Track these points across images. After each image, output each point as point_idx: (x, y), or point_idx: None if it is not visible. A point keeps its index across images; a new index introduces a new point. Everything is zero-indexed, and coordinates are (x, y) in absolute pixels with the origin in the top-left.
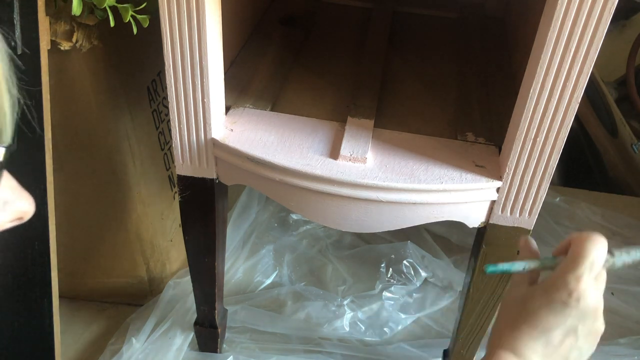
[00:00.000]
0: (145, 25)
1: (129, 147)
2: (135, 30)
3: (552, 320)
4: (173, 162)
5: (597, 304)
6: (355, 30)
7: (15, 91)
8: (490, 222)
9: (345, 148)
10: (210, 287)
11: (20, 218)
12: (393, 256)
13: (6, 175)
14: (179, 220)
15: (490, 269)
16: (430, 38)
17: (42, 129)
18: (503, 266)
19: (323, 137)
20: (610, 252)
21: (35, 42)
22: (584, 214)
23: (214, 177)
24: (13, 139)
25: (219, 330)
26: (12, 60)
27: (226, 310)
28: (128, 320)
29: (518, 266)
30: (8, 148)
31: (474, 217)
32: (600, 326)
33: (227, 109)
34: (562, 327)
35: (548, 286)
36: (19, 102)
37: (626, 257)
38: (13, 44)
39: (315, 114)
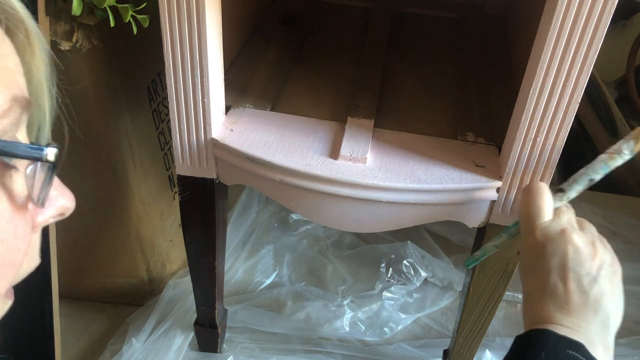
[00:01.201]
0: (145, 25)
1: (129, 147)
2: (135, 30)
3: (540, 277)
4: (173, 162)
5: (567, 235)
6: (355, 30)
7: (54, 90)
8: (490, 222)
9: (345, 148)
10: (210, 287)
11: (62, 214)
12: (393, 256)
13: None
14: (179, 220)
15: (469, 263)
16: (430, 38)
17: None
18: (478, 255)
19: (323, 137)
20: (560, 189)
21: None
22: (584, 214)
23: (214, 177)
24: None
25: (219, 330)
26: (51, 59)
27: (226, 310)
28: (128, 320)
29: (490, 248)
30: (59, 149)
31: (474, 217)
32: (594, 249)
33: (227, 109)
34: (552, 276)
35: (521, 253)
36: (57, 101)
37: (577, 185)
38: None
39: (315, 114)
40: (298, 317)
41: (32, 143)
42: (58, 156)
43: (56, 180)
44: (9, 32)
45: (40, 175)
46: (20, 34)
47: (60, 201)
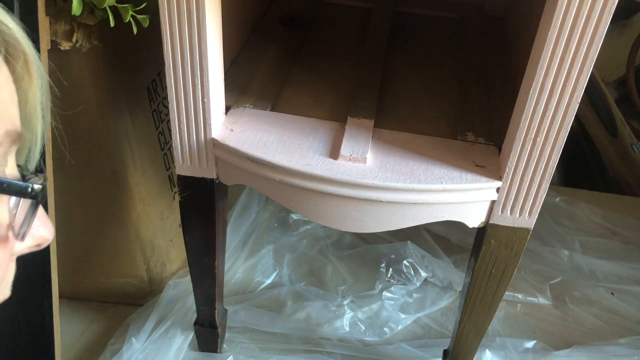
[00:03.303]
0: (145, 25)
1: (129, 147)
2: (135, 30)
3: None
4: (173, 162)
5: None
6: (355, 30)
7: (48, 116)
8: (490, 222)
9: (345, 148)
10: (210, 287)
11: (39, 245)
12: (393, 256)
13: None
14: (179, 220)
15: None
16: (430, 38)
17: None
18: None
19: (323, 137)
20: None
21: (35, 42)
22: (584, 214)
23: (214, 177)
24: (40, 161)
25: (219, 330)
26: (48, 86)
27: (226, 310)
28: (128, 320)
29: None
30: (45, 185)
31: (474, 217)
32: None
33: (227, 109)
34: None
35: None
36: (50, 125)
37: None
38: None
39: (315, 114)
40: (298, 317)
41: (22, 175)
42: (42, 191)
43: (40, 211)
44: (8, 61)
45: (24, 207)
46: (19, 63)
47: (40, 232)
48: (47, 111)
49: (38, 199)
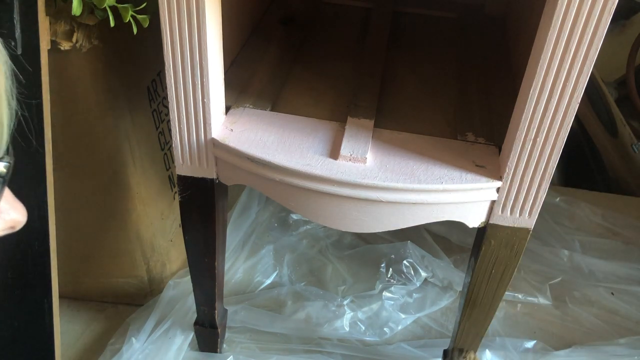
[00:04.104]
0: (145, 25)
1: (129, 147)
2: (135, 30)
3: None
4: (173, 162)
5: None
6: (355, 30)
7: (14, 103)
8: (490, 222)
9: (345, 148)
10: (210, 287)
11: (12, 227)
12: (393, 256)
13: None
14: (179, 220)
15: None
16: (430, 38)
17: (41, 138)
18: None
19: (323, 137)
20: None
21: (35, 42)
22: (584, 214)
23: (214, 177)
24: (7, 149)
25: (219, 330)
26: (13, 73)
27: (226, 310)
28: (128, 320)
29: None
30: (10, 164)
31: (474, 217)
32: None
33: (227, 109)
34: None
35: None
36: (16, 114)
37: None
38: (13, 44)
39: (315, 114)
40: (298, 317)
41: None
42: (9, 170)
43: (8, 194)
44: None
45: None
46: None
47: (11, 215)
48: (12, 99)
49: (5, 178)
